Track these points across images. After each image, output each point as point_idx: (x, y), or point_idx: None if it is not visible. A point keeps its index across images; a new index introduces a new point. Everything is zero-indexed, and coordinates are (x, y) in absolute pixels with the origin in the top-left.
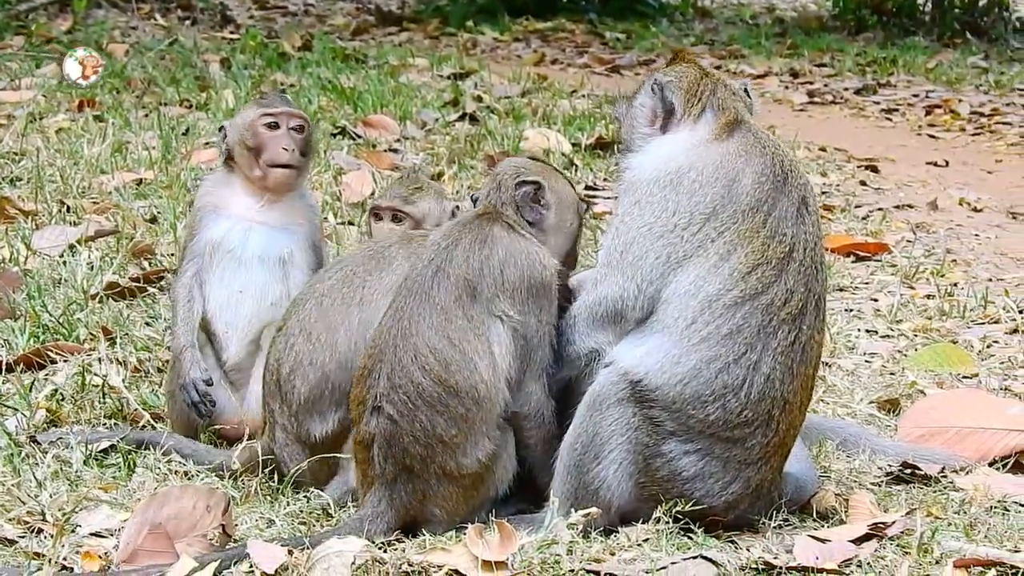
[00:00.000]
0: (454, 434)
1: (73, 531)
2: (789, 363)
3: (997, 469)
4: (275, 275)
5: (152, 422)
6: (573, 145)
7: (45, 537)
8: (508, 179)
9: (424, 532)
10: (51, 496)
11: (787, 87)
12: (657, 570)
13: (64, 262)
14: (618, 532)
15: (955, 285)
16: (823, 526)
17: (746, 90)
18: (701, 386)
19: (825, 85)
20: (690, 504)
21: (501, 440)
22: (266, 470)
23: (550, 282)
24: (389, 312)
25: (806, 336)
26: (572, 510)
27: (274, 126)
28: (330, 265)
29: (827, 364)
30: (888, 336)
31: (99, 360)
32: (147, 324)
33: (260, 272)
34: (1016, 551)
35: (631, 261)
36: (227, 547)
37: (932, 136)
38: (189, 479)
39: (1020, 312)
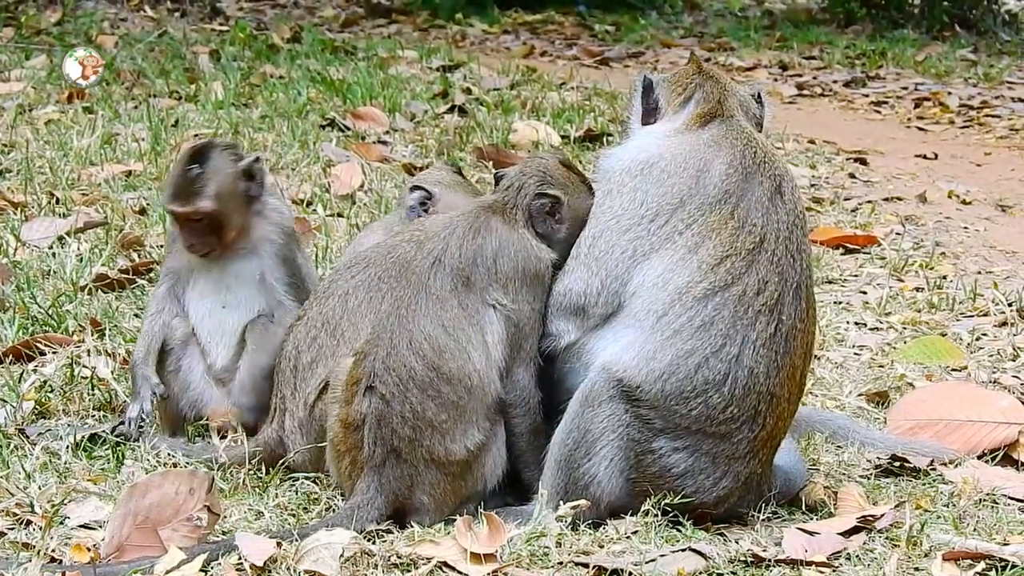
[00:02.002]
0: (444, 419)
1: (62, 523)
2: (772, 355)
3: (986, 462)
4: (256, 291)
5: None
6: (562, 137)
7: (34, 529)
8: (530, 185)
9: (413, 524)
10: (40, 488)
11: (776, 80)
12: (646, 562)
13: (53, 254)
14: (607, 525)
15: (944, 278)
16: (812, 519)
17: (759, 97)
18: (681, 382)
19: (814, 78)
20: (680, 497)
21: (491, 432)
22: (254, 460)
23: (544, 272)
24: (389, 300)
25: (787, 326)
26: (560, 503)
27: (175, 222)
28: (352, 261)
29: (816, 357)
30: (877, 329)
31: (88, 352)
32: (136, 316)
33: (241, 290)
34: (1005, 544)
35: (597, 256)
36: (215, 539)
37: (921, 129)
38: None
39: (1009, 305)
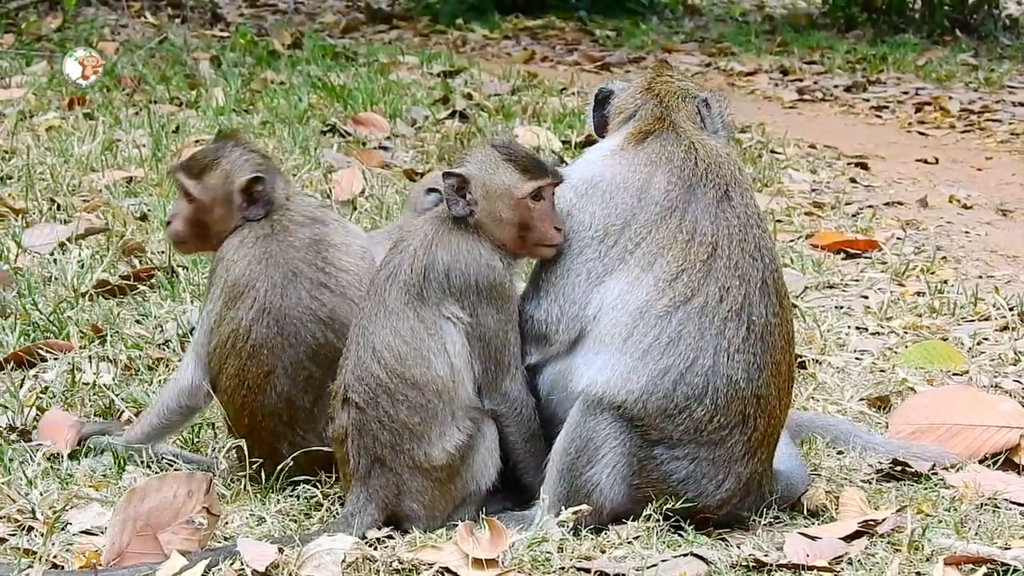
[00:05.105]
0: (417, 422)
1: (63, 529)
2: (751, 358)
3: (987, 466)
4: None
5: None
6: (563, 143)
7: (35, 535)
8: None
9: (414, 529)
10: (41, 494)
11: (777, 84)
12: (647, 568)
13: (54, 260)
14: (608, 530)
15: (945, 282)
16: (813, 523)
17: (706, 101)
18: (662, 400)
19: (815, 82)
20: (684, 502)
21: (474, 431)
22: (254, 466)
23: (501, 281)
24: (355, 315)
25: (760, 325)
26: (562, 508)
27: None
28: None
29: (817, 361)
30: (878, 333)
31: (89, 358)
32: (137, 322)
33: None
34: (1006, 548)
35: (553, 281)
36: (217, 545)
37: (922, 133)
38: None
39: (1010, 309)
